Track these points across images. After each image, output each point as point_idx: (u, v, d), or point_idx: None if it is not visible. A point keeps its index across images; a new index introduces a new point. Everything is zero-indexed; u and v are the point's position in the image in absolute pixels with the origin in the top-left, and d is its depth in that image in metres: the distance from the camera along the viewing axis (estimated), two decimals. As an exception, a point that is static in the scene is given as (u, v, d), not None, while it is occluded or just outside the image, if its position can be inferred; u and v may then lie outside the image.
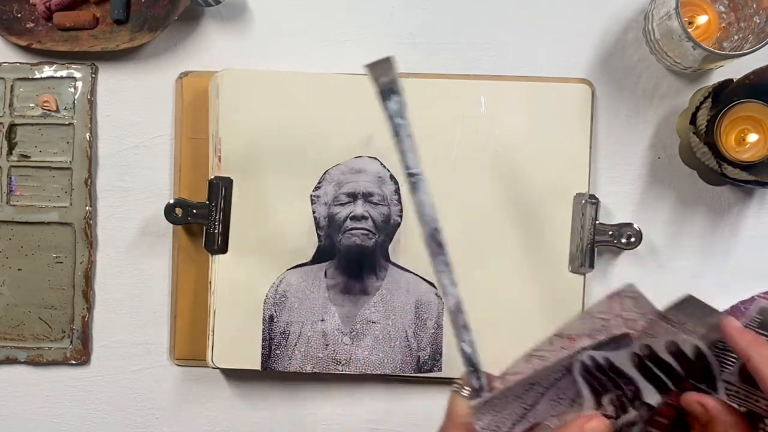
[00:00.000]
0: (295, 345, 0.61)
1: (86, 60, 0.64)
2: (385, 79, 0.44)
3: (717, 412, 0.43)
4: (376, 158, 0.62)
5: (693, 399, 0.44)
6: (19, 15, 0.64)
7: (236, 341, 0.61)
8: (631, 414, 0.44)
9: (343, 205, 0.62)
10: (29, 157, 0.64)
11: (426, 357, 0.62)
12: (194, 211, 0.61)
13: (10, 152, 0.64)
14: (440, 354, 0.62)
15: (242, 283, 0.61)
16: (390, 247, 0.62)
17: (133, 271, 0.65)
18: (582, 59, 0.64)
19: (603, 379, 0.44)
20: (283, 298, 0.62)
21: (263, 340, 0.61)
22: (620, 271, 0.64)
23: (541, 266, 0.62)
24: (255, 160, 0.61)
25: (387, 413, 0.65)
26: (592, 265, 0.62)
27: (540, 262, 0.62)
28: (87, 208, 0.64)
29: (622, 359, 0.44)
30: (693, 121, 0.59)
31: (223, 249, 0.61)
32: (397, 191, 0.62)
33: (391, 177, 0.62)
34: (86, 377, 0.65)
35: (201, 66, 0.64)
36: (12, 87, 0.64)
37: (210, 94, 0.62)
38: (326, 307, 0.62)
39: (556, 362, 0.43)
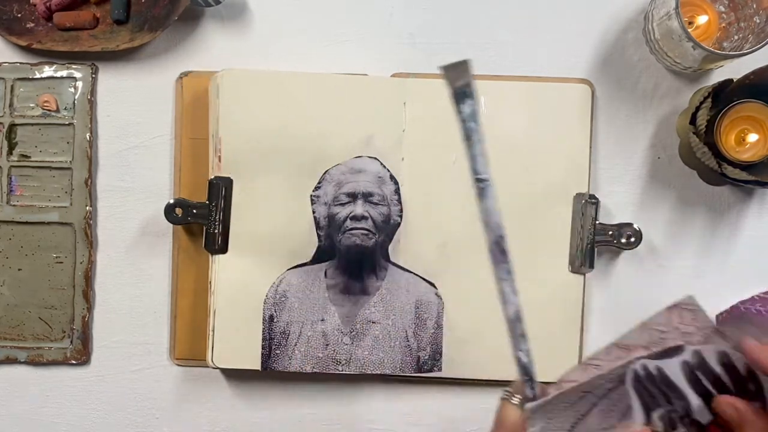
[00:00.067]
0: (295, 345, 0.62)
1: (86, 60, 0.64)
2: (460, 82, 0.44)
3: (748, 416, 0.42)
4: (376, 158, 0.62)
5: (726, 401, 0.43)
6: (19, 15, 0.64)
7: (236, 341, 0.61)
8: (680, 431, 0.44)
9: (343, 205, 0.62)
10: (29, 157, 0.64)
11: (426, 357, 0.62)
12: (194, 211, 0.61)
13: (10, 152, 0.64)
14: (440, 354, 0.62)
15: (242, 283, 0.61)
16: (390, 247, 0.62)
17: (133, 271, 0.65)
18: (582, 59, 0.64)
19: (654, 392, 0.44)
20: (283, 298, 0.62)
21: (263, 340, 0.61)
22: (620, 271, 0.64)
23: (541, 266, 0.62)
24: (255, 160, 0.61)
25: (387, 413, 0.65)
26: (592, 265, 0.62)
27: (540, 262, 0.62)
28: (87, 208, 0.64)
29: (674, 368, 0.44)
30: (693, 121, 0.59)
31: (223, 249, 0.61)
32: (397, 191, 0.62)
33: (391, 177, 0.62)
34: (86, 377, 0.65)
35: (201, 66, 0.64)
36: (12, 87, 0.64)
37: (210, 94, 0.62)
38: (326, 307, 0.62)
39: (610, 371, 0.43)
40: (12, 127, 0.64)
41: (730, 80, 0.59)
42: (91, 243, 0.64)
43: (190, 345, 0.64)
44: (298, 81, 0.62)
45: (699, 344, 0.45)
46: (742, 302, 0.63)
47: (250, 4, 0.64)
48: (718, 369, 0.44)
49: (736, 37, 0.60)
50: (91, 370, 0.65)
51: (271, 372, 0.62)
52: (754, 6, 0.58)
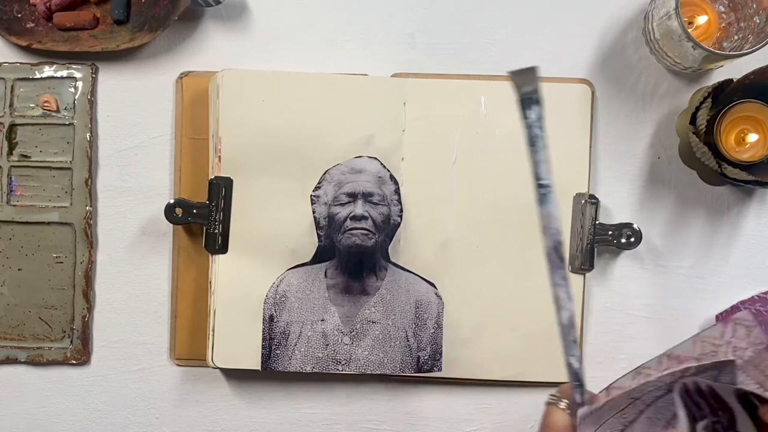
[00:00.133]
0: (295, 345, 0.62)
1: (86, 60, 0.64)
2: (527, 89, 0.44)
3: None
4: (376, 158, 0.62)
5: None
6: (19, 15, 0.64)
7: (236, 341, 0.61)
8: None
9: (343, 205, 0.62)
10: (29, 157, 0.64)
11: (426, 357, 0.62)
12: (194, 211, 0.61)
13: (10, 152, 0.64)
14: (440, 354, 0.62)
15: (242, 283, 0.61)
16: (390, 247, 0.62)
17: (133, 271, 0.65)
18: (582, 59, 0.64)
19: (701, 403, 0.44)
20: (283, 298, 0.62)
21: (263, 340, 0.61)
22: (620, 271, 0.64)
23: (541, 266, 0.62)
24: (255, 160, 0.61)
25: (387, 413, 0.65)
26: (592, 265, 0.62)
27: (540, 262, 0.62)
28: (87, 208, 0.64)
29: (725, 390, 0.44)
30: (693, 121, 0.59)
31: (223, 249, 0.61)
32: (397, 191, 0.62)
33: (391, 177, 0.62)
34: (86, 377, 0.65)
35: (201, 66, 0.64)
36: (12, 87, 0.64)
37: (210, 94, 0.62)
38: (326, 307, 0.62)
39: (658, 378, 0.44)
40: (12, 127, 0.64)
41: (730, 80, 0.59)
42: (91, 243, 0.64)
43: (190, 345, 0.64)
44: (298, 81, 0.62)
45: (749, 359, 0.45)
46: (742, 302, 0.63)
47: (250, 4, 0.64)
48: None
49: (736, 37, 0.60)
50: (91, 370, 0.65)
51: (271, 372, 0.62)
52: (754, 6, 0.58)
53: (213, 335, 0.61)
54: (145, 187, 0.65)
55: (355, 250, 0.62)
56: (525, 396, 0.64)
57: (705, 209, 0.64)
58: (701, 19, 0.61)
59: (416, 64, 0.64)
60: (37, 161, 0.64)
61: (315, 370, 0.62)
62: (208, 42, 0.64)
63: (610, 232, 0.61)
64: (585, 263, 0.62)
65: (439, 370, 0.62)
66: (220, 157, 0.61)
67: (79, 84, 0.64)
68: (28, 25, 0.64)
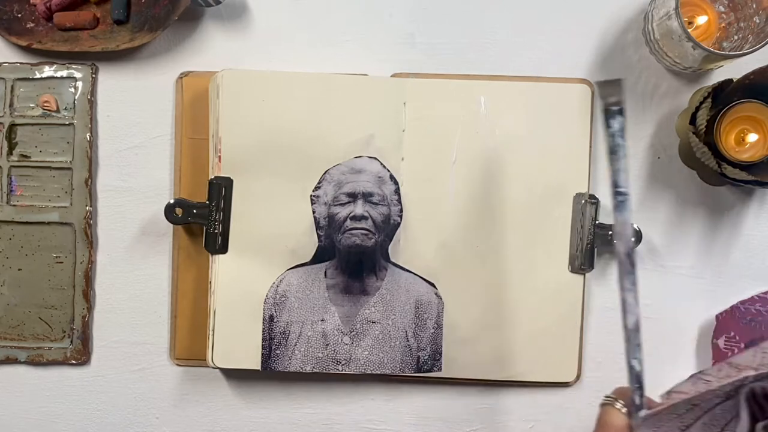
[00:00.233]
0: (295, 345, 0.62)
1: (86, 60, 0.64)
2: (612, 99, 0.45)
3: None
4: (376, 158, 0.62)
5: None
6: (19, 15, 0.64)
7: (236, 341, 0.61)
8: None
9: (343, 205, 0.62)
10: (29, 157, 0.64)
11: (426, 357, 0.62)
12: (194, 211, 0.61)
13: (10, 152, 0.64)
14: (440, 354, 0.62)
15: (242, 283, 0.61)
16: (390, 247, 0.62)
17: (133, 271, 0.65)
18: (582, 59, 0.64)
19: (765, 406, 0.44)
20: (283, 298, 0.62)
21: (263, 340, 0.61)
22: (620, 271, 0.64)
23: (541, 266, 0.62)
24: (255, 160, 0.61)
25: (387, 413, 0.65)
26: (592, 265, 0.62)
27: (540, 262, 0.62)
28: (87, 208, 0.64)
29: None
30: (693, 121, 0.59)
31: (223, 249, 0.61)
32: (397, 191, 0.62)
33: (391, 177, 0.62)
34: (86, 377, 0.65)
35: (201, 66, 0.64)
36: (12, 87, 0.64)
37: (210, 94, 0.62)
38: (326, 307, 0.62)
39: (719, 387, 0.44)
40: (12, 127, 0.64)
41: (730, 80, 0.59)
42: (91, 243, 0.64)
43: (190, 345, 0.64)
44: (298, 81, 0.62)
45: None
46: (742, 302, 0.63)
47: (250, 4, 0.64)
48: None
49: (736, 37, 0.60)
50: (91, 370, 0.65)
51: (271, 372, 0.62)
52: (754, 6, 0.58)
53: (213, 335, 0.61)
54: (145, 187, 0.65)
55: (355, 250, 0.62)
56: (525, 396, 0.64)
57: (705, 209, 0.64)
58: (701, 19, 0.61)
59: (416, 64, 0.64)
60: (37, 161, 0.64)
61: (315, 370, 0.62)
62: (208, 42, 0.64)
63: (610, 232, 0.61)
64: (585, 263, 0.62)
65: (439, 370, 0.62)
66: (220, 157, 0.61)
67: (79, 84, 0.64)
68: (28, 25, 0.64)
